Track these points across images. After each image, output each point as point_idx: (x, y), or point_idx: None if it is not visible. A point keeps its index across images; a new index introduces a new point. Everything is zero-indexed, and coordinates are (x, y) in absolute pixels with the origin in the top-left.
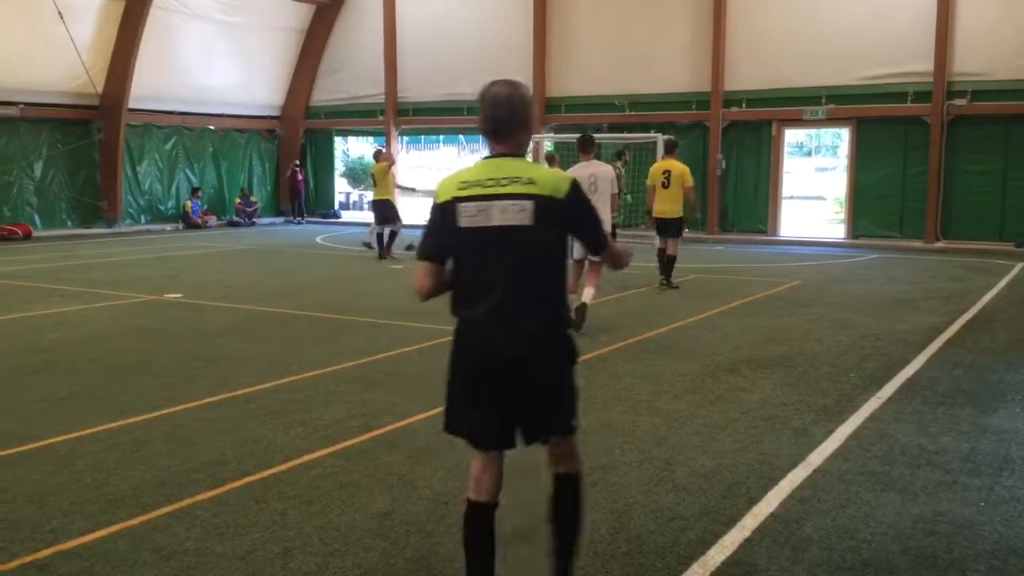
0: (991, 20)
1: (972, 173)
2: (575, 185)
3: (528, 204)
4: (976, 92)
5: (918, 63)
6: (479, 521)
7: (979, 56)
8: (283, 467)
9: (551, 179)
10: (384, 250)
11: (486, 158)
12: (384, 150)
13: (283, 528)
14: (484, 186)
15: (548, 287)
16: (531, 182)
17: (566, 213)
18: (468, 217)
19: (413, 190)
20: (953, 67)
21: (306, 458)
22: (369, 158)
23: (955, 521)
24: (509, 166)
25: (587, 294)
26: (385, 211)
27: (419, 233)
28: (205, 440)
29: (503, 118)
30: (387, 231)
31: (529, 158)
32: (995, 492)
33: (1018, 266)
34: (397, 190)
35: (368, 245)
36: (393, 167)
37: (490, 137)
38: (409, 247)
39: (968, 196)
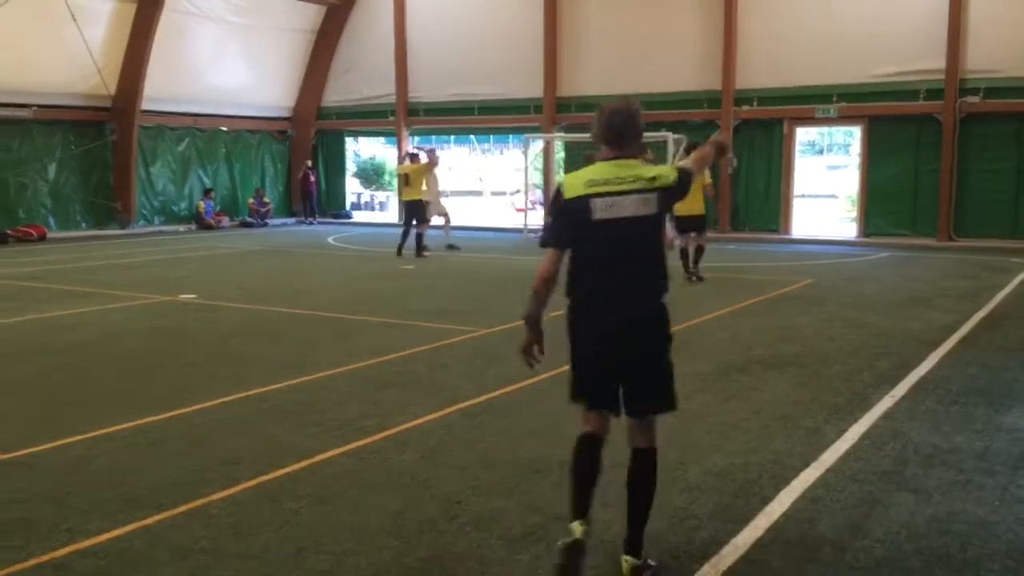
0: (1003, 16)
1: (985, 171)
2: (681, 172)
3: (652, 196)
4: (989, 89)
5: (930, 60)
6: (589, 447)
7: (992, 53)
8: (297, 467)
9: (664, 173)
10: (418, 251)
11: (606, 160)
12: (418, 152)
13: (297, 527)
14: (613, 184)
15: (660, 267)
16: (652, 179)
17: (675, 195)
18: (601, 211)
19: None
20: (965, 64)
21: (319, 458)
22: (380, 158)
23: (969, 520)
24: (630, 167)
25: None
26: (416, 212)
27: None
28: (219, 440)
29: (623, 129)
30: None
31: (534, 157)
32: (1009, 491)
33: None
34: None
35: (452, 247)
36: (433, 167)
37: (611, 144)
38: (450, 247)
39: (981, 194)
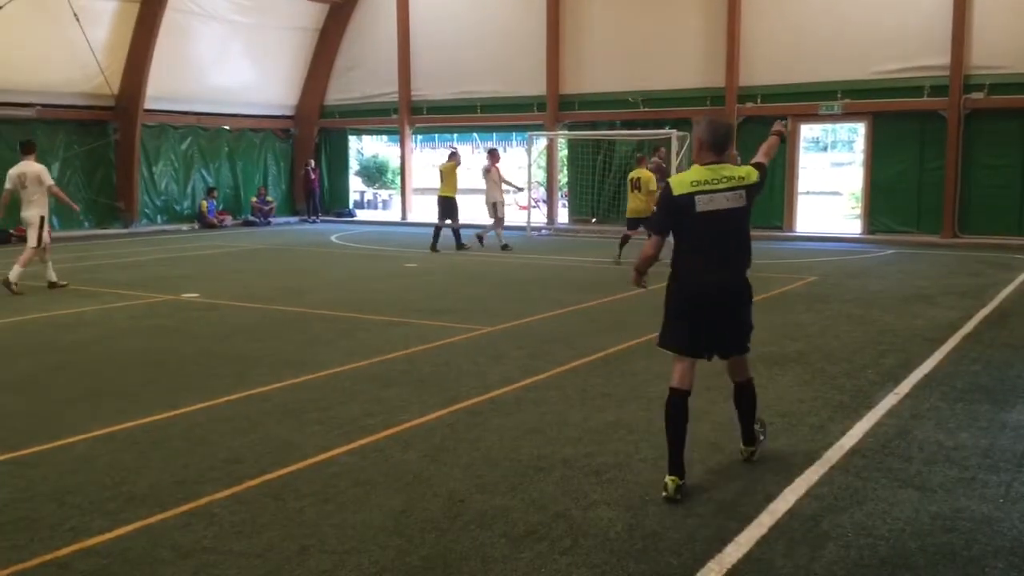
0: (1008, 12)
1: (990, 167)
2: (759, 168)
3: (742, 192)
4: (994, 85)
5: (934, 57)
6: (680, 402)
7: (996, 49)
8: (300, 465)
9: (748, 173)
10: (458, 245)
11: (705, 165)
12: (456, 150)
13: (300, 526)
14: (710, 184)
15: (747, 248)
16: (741, 178)
17: (758, 189)
18: (703, 204)
19: (519, 189)
20: (970, 60)
21: (322, 456)
22: (383, 156)
23: (974, 518)
24: (724, 170)
25: None
26: (446, 208)
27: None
28: (222, 439)
29: (725, 140)
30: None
31: (538, 155)
32: (1014, 488)
33: None
34: (506, 187)
35: (481, 239)
36: (495, 167)
37: (715, 151)
38: (505, 247)
39: (985, 190)
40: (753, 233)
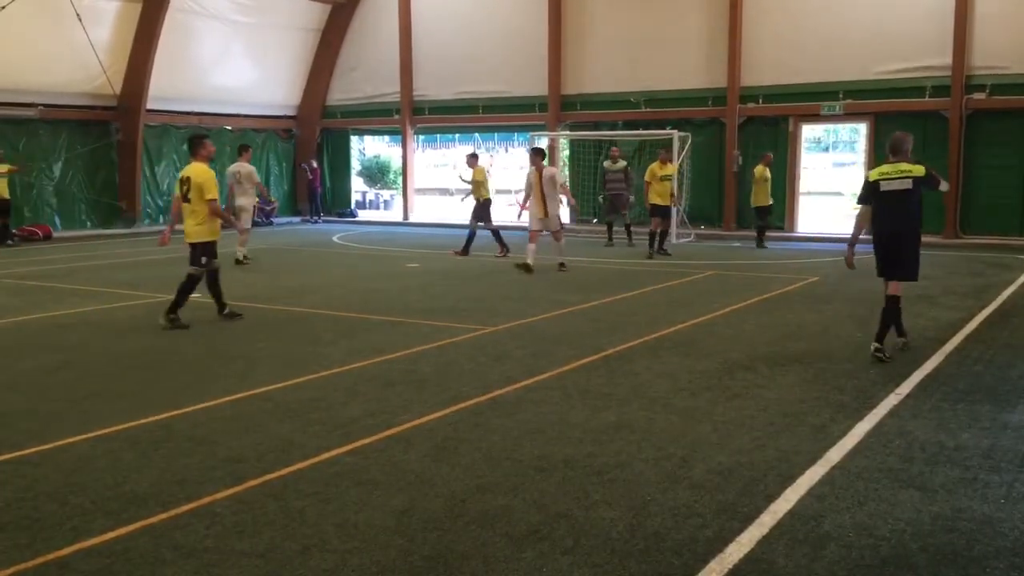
0: (1010, 12)
1: (992, 167)
2: (928, 168)
3: (909, 180)
4: (995, 86)
5: (936, 57)
6: (889, 303)
7: (998, 49)
8: (301, 465)
9: (917, 169)
10: (501, 248)
11: (889, 162)
12: (478, 153)
13: (302, 526)
14: (891, 174)
15: (917, 213)
16: (910, 171)
17: (924, 182)
18: (885, 185)
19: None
20: (972, 60)
21: (324, 456)
22: (385, 156)
23: (975, 518)
24: (901, 166)
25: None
26: (477, 211)
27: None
28: (224, 438)
29: (898, 148)
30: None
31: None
32: (1016, 489)
33: None
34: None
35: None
36: (557, 174)
37: (892, 154)
38: (561, 266)
39: (987, 191)
40: (751, 234)
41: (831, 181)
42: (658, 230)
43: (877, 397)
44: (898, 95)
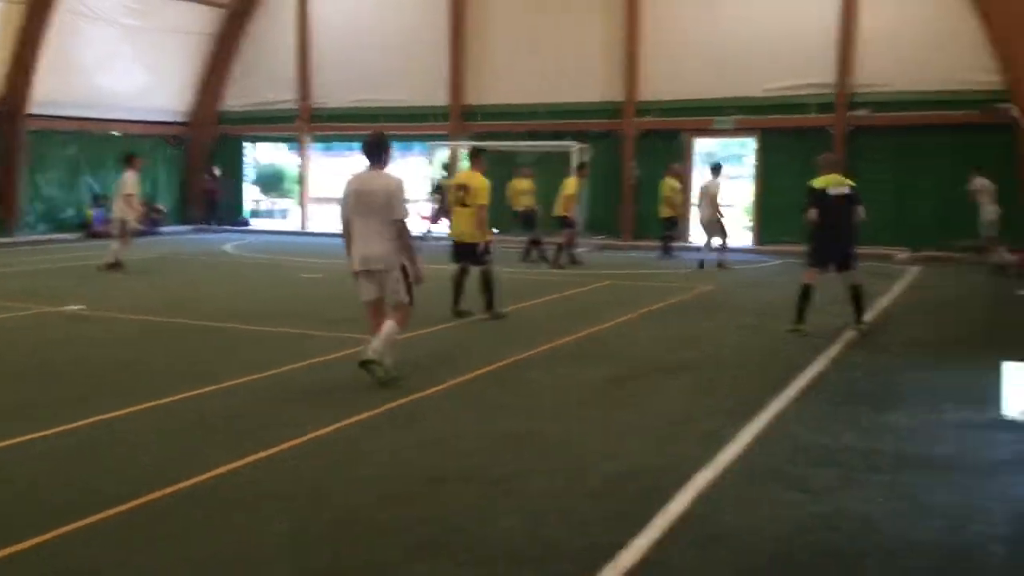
0: (891, 33)
1: (873, 181)
2: (853, 184)
3: (847, 188)
4: (877, 103)
5: (821, 75)
6: (810, 290)
7: (879, 68)
8: (190, 482)
9: (849, 181)
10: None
11: (824, 175)
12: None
13: (190, 545)
14: (833, 184)
15: (853, 220)
16: (846, 182)
17: (855, 194)
18: (832, 190)
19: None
20: (855, 79)
21: (214, 472)
22: (281, 165)
23: (855, 517)
24: (838, 177)
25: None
26: (523, 219)
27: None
28: (110, 456)
29: (835, 167)
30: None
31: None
32: (893, 488)
33: (914, 270)
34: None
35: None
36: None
37: (827, 170)
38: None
39: (869, 203)
40: (651, 244)
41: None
42: (566, 242)
43: (764, 402)
44: (785, 111)
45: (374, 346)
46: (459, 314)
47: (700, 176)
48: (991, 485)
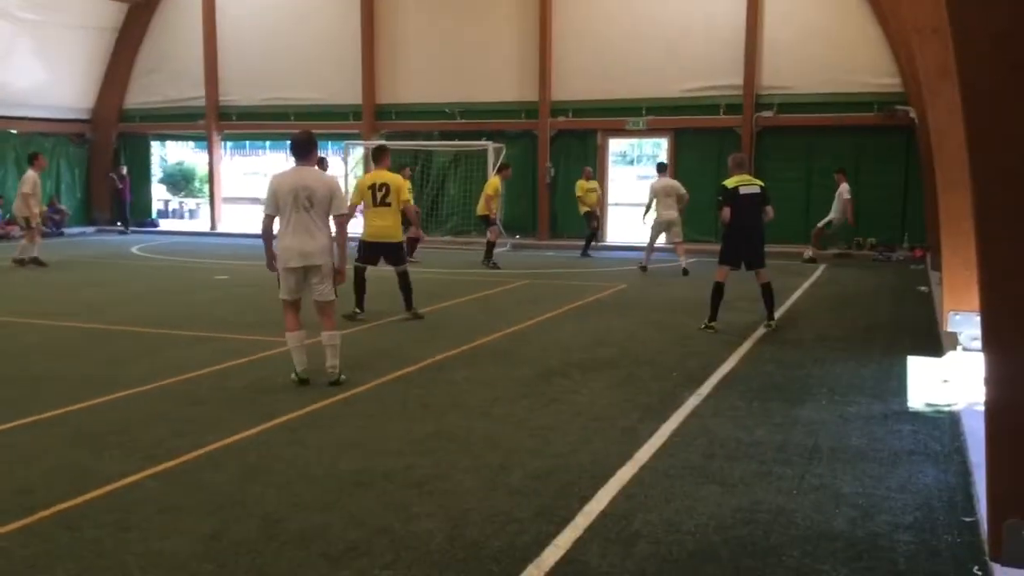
0: (794, 38)
1: (780, 180)
2: (763, 184)
3: (758, 187)
4: (782, 105)
5: (729, 77)
6: (722, 287)
7: (784, 71)
8: (99, 492)
9: (759, 181)
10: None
11: (736, 174)
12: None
13: (99, 557)
14: (744, 183)
15: (762, 219)
16: (755, 182)
17: (764, 193)
18: (744, 190)
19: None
20: (761, 81)
21: (124, 481)
22: (190, 163)
23: (771, 509)
24: (748, 177)
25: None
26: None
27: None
28: (10, 467)
29: (744, 162)
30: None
31: (355, 165)
32: (806, 480)
33: (822, 267)
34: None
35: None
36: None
37: (737, 170)
38: (643, 268)
39: (777, 202)
40: (566, 243)
41: (636, 193)
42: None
43: (680, 398)
44: (695, 112)
45: (331, 364)
46: (353, 316)
47: (614, 176)
48: (897, 475)
